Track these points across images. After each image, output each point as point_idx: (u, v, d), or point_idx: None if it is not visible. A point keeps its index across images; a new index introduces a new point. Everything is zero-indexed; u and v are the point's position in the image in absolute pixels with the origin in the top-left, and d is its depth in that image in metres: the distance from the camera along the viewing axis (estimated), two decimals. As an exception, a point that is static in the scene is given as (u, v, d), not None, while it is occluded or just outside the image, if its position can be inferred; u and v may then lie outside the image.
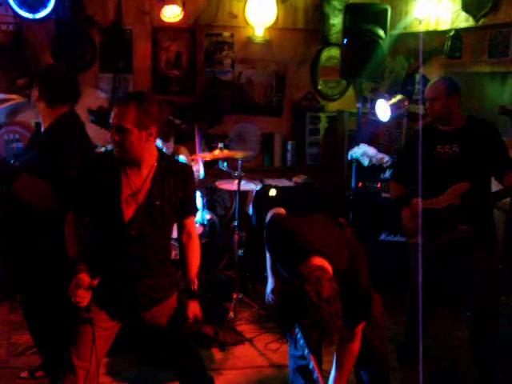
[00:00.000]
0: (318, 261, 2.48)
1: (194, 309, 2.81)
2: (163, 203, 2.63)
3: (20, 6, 4.92)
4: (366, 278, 2.71)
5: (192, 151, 4.99)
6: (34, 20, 5.02)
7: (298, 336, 2.62)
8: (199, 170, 4.80)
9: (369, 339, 2.95)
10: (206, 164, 4.94)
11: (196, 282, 2.84)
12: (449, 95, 3.54)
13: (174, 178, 2.66)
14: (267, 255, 3.07)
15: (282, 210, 3.11)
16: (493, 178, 3.65)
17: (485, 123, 3.61)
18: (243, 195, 5.29)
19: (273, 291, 3.12)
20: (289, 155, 6.08)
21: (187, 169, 2.77)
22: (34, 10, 4.97)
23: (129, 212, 2.58)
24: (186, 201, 2.74)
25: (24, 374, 3.65)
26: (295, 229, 2.73)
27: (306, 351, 2.81)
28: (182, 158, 4.86)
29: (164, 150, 4.62)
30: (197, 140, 4.83)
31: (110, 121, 2.52)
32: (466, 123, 3.61)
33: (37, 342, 3.58)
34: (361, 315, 2.77)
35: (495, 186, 3.65)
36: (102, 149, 5.02)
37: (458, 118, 3.62)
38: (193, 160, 4.85)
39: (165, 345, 2.80)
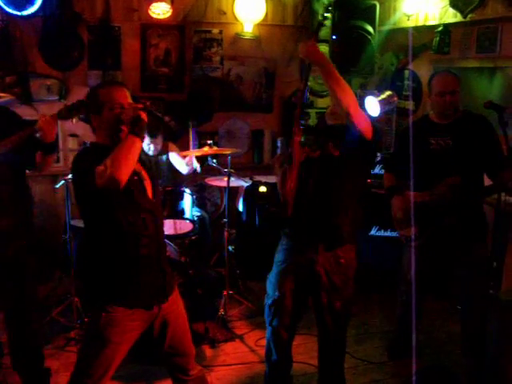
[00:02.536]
0: None
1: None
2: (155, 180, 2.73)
3: (7, 3, 4.87)
4: None
5: (182, 148, 4.98)
6: (22, 17, 4.96)
7: None
8: (192, 164, 4.78)
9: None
10: (196, 160, 4.93)
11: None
12: (460, 88, 3.54)
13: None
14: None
15: None
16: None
17: (480, 118, 3.59)
18: (233, 192, 5.29)
19: None
20: (278, 152, 6.07)
21: None
22: (21, 7, 4.91)
23: (147, 185, 2.65)
24: None
25: None
26: None
27: None
28: (173, 154, 4.85)
29: (152, 148, 4.65)
30: (191, 137, 4.81)
31: (119, 101, 2.54)
32: (461, 116, 3.60)
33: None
34: None
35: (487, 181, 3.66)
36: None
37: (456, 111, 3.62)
38: (184, 156, 4.84)
39: (171, 340, 2.76)
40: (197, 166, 4.84)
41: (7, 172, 3.25)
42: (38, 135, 3.16)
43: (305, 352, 4.01)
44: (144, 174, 2.66)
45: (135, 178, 2.56)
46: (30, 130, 3.18)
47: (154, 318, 2.64)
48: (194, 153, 4.71)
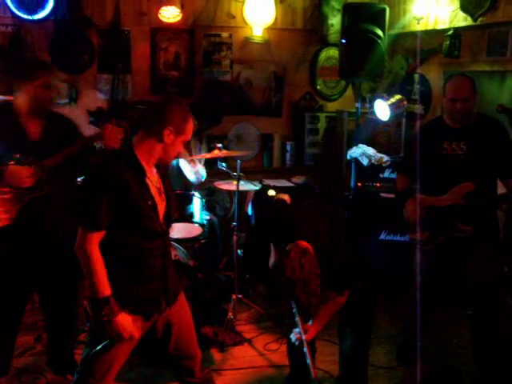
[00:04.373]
0: (303, 244, 2.80)
1: None
2: (170, 195, 2.73)
3: (18, 8, 4.92)
4: (343, 256, 3.02)
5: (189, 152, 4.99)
6: (33, 21, 5.01)
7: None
8: (197, 169, 4.79)
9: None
10: (205, 164, 4.94)
11: None
12: (475, 93, 3.49)
13: (162, 169, 2.74)
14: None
15: (286, 197, 3.40)
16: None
17: (495, 122, 3.54)
18: (242, 196, 5.29)
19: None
20: (288, 156, 6.08)
21: None
22: (32, 12, 4.96)
23: (161, 209, 2.59)
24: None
25: None
26: (290, 216, 3.10)
27: (296, 318, 2.98)
28: (183, 160, 4.85)
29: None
30: (195, 141, 4.83)
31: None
32: (475, 121, 3.54)
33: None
34: (344, 285, 3.08)
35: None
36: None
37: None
38: (192, 161, 4.84)
39: (177, 342, 2.76)
40: (204, 174, 4.86)
41: (63, 177, 3.37)
42: (99, 144, 3.37)
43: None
44: (158, 197, 2.58)
45: (149, 203, 2.50)
46: (87, 139, 3.38)
47: (156, 319, 2.65)
48: (201, 157, 4.72)
